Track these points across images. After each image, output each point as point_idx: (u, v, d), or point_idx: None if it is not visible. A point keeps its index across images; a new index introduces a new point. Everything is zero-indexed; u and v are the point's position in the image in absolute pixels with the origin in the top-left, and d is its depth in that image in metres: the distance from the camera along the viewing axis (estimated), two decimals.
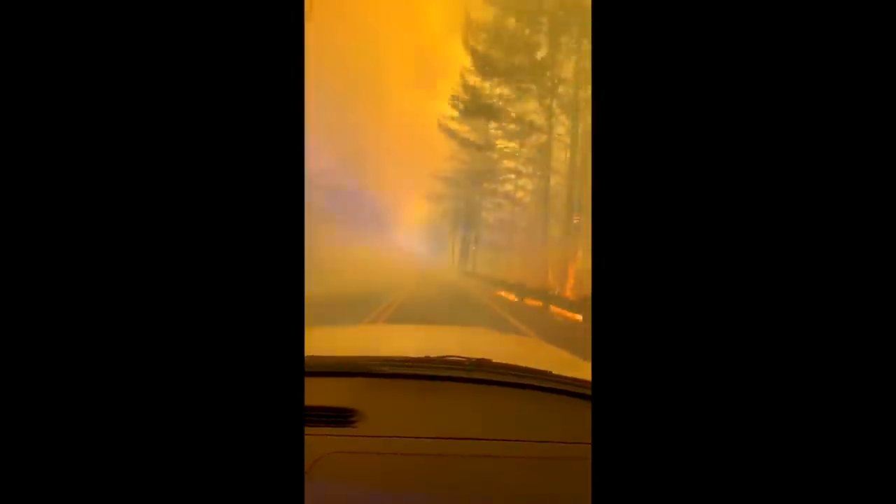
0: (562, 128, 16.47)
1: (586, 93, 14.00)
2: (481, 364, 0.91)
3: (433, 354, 0.93)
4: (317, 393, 0.72)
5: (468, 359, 0.92)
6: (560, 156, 16.99)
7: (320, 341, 1.15)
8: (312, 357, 0.77)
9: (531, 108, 17.14)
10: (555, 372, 0.92)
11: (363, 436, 0.71)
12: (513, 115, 17.18)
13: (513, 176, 21.36)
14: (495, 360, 0.94)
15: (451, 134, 19.75)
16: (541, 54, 15.62)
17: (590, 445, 0.69)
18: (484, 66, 16.04)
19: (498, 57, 15.75)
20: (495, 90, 17.50)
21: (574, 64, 15.05)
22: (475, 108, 16.81)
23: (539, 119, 16.67)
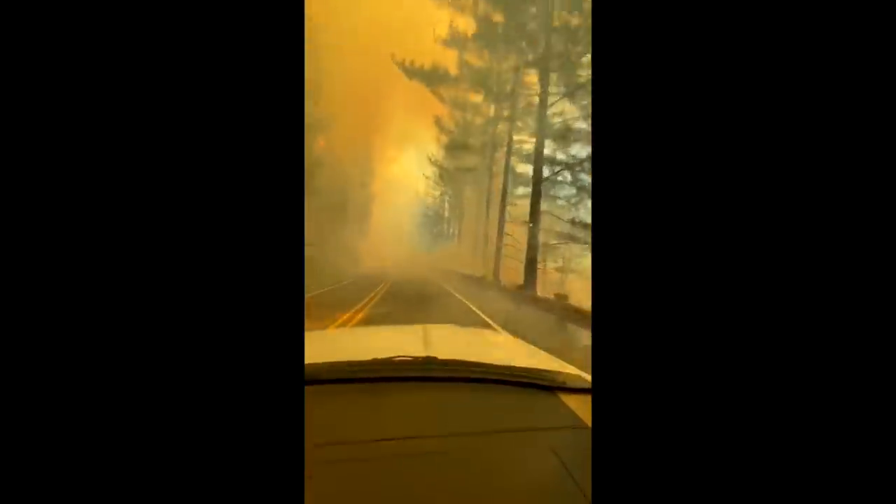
0: None
1: None
2: (429, 362, 0.92)
3: (391, 354, 0.93)
4: None
5: (415, 358, 0.93)
6: None
7: None
8: None
9: None
10: (506, 363, 0.93)
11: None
12: None
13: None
14: (458, 355, 0.95)
15: None
16: None
17: (540, 431, 0.72)
18: None
19: None
20: None
21: None
22: None
23: None
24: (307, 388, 0.84)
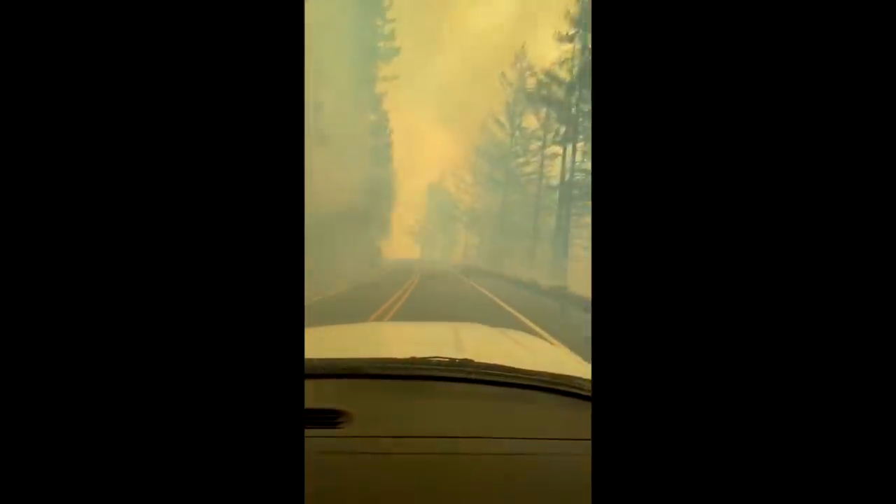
0: None
1: None
2: (465, 364, 0.95)
3: (424, 353, 0.96)
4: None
5: (452, 359, 0.96)
6: None
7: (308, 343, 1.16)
8: None
9: None
10: (539, 368, 0.94)
11: (350, 436, 0.71)
12: None
13: None
14: (487, 355, 0.97)
15: None
16: None
17: (573, 441, 0.72)
18: None
19: None
20: None
21: None
22: None
23: None
24: (346, 382, 0.89)
